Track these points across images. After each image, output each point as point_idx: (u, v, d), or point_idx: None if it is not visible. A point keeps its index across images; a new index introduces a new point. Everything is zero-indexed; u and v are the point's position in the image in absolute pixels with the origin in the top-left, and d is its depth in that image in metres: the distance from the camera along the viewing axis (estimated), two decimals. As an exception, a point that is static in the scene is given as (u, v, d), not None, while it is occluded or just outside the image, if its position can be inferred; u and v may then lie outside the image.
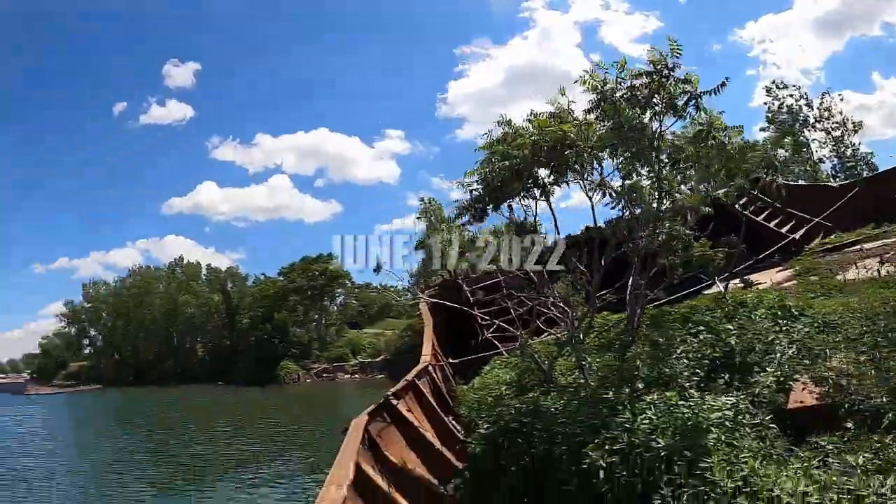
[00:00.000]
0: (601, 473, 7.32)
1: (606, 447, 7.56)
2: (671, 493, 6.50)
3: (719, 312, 11.45)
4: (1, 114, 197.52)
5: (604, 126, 10.45)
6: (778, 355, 9.65)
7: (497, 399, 11.62)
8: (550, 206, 11.40)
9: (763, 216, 27.26)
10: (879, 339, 8.79)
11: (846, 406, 7.55)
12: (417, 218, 79.83)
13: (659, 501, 6.55)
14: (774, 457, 7.01)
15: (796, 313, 11.39)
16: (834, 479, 5.74)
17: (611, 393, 9.05)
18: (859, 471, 5.90)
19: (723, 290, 15.06)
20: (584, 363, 11.02)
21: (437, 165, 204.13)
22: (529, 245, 11.81)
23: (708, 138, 10.80)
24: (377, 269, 11.95)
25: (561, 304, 11.94)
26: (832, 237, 25.29)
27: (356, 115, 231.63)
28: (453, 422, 13.69)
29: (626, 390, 9.07)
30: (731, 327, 10.58)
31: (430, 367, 15.18)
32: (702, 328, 10.99)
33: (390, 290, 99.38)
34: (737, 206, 25.77)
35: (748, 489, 6.01)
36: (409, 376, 13.06)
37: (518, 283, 12.95)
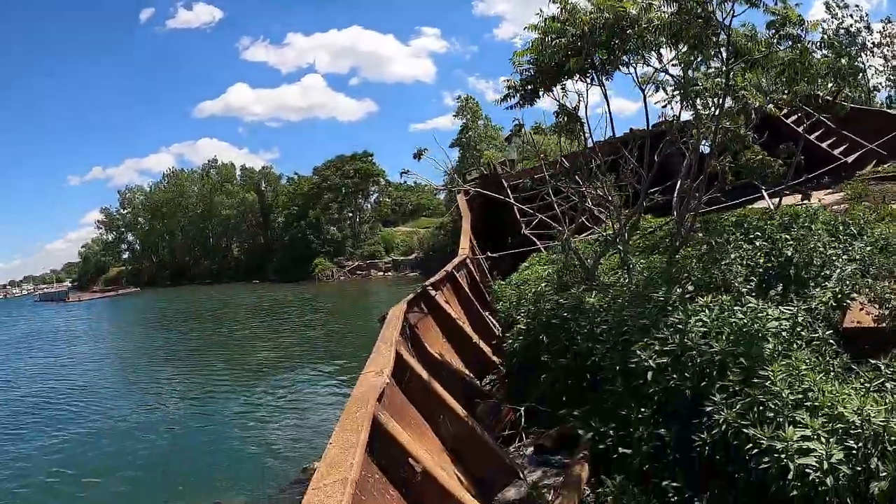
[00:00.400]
0: (649, 375, 7.00)
1: (656, 348, 7.19)
2: (724, 400, 6.18)
3: (775, 222, 10.81)
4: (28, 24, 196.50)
5: (665, 11, 9.64)
6: (837, 271, 9.07)
7: (537, 295, 11.31)
8: (605, 93, 10.64)
9: (816, 135, 25.92)
10: None
11: None
12: (454, 115, 78.91)
13: (711, 408, 6.24)
14: (832, 374, 6.62)
15: (855, 232, 10.72)
16: None
17: (660, 292, 8.63)
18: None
19: (772, 205, 14.38)
20: (629, 262, 10.58)
21: (474, 65, 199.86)
22: (577, 135, 11.22)
23: (782, 28, 9.91)
24: (417, 155, 11.38)
25: (607, 200, 11.42)
26: (886, 166, 24.12)
27: (390, 11, 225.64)
28: (490, 316, 13.50)
29: (677, 291, 8.62)
30: (788, 237, 9.96)
31: (468, 261, 14.90)
32: (758, 234, 10.43)
33: (425, 188, 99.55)
34: (790, 120, 24.67)
35: (809, 403, 5.61)
36: (448, 267, 12.80)
37: (562, 177, 12.38)
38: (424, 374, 7.31)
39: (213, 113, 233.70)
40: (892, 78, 58.70)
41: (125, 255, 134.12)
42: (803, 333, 7.19)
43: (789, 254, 9.38)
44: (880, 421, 5.04)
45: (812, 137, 24.99)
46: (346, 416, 4.91)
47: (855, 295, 8.22)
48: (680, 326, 7.26)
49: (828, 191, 20.13)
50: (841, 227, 10.65)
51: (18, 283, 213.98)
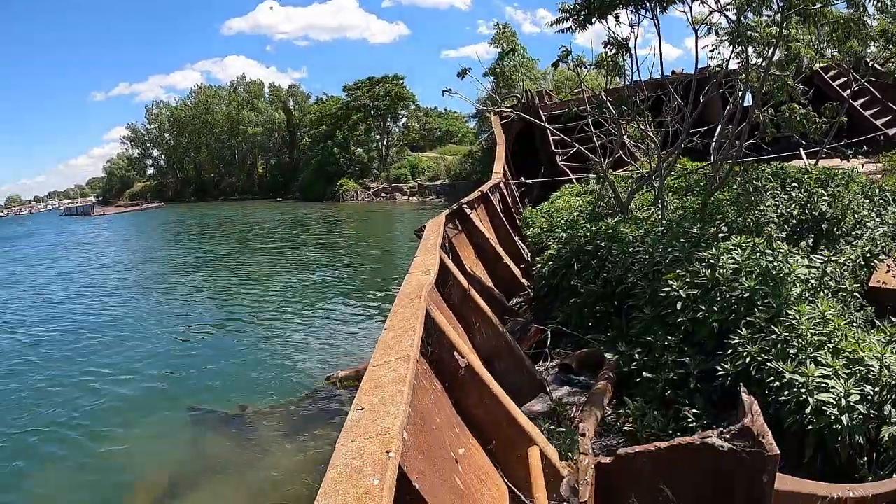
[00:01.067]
0: (678, 305, 7.25)
1: (687, 280, 7.43)
2: (750, 335, 6.40)
3: (813, 176, 10.84)
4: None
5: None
6: (868, 231, 9.21)
7: (570, 222, 11.51)
8: (658, 26, 10.57)
9: (860, 102, 25.39)
10: None
11: None
12: (490, 44, 77.30)
13: (737, 341, 6.48)
14: (855, 324, 6.83)
15: (890, 198, 10.75)
16: None
17: (695, 228, 8.81)
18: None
19: (808, 165, 14.26)
20: (663, 200, 10.73)
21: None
22: (622, 69, 11.19)
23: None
24: (462, 73, 11.40)
25: (647, 136, 11.47)
26: None
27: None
28: (519, 241, 13.74)
29: (711, 229, 8.79)
30: (824, 193, 10.06)
31: (502, 185, 15.07)
32: (795, 185, 10.51)
33: (455, 115, 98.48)
34: (836, 83, 24.13)
35: (831, 345, 5.82)
36: (484, 188, 12.99)
37: (604, 110, 12.38)
38: (464, 282, 7.57)
39: (242, 30, 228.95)
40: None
41: (150, 171, 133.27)
42: (830, 283, 7.40)
43: (824, 208, 9.51)
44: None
45: (857, 104, 24.52)
46: (398, 306, 5.14)
47: (883, 257, 8.39)
48: (712, 262, 7.44)
49: (865, 160, 19.91)
50: (877, 191, 10.71)
51: (43, 199, 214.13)
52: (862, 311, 7.22)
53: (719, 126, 11.35)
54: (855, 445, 5.15)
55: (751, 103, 11.25)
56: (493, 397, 5.42)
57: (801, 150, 16.18)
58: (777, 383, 5.61)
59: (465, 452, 4.96)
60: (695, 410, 6.79)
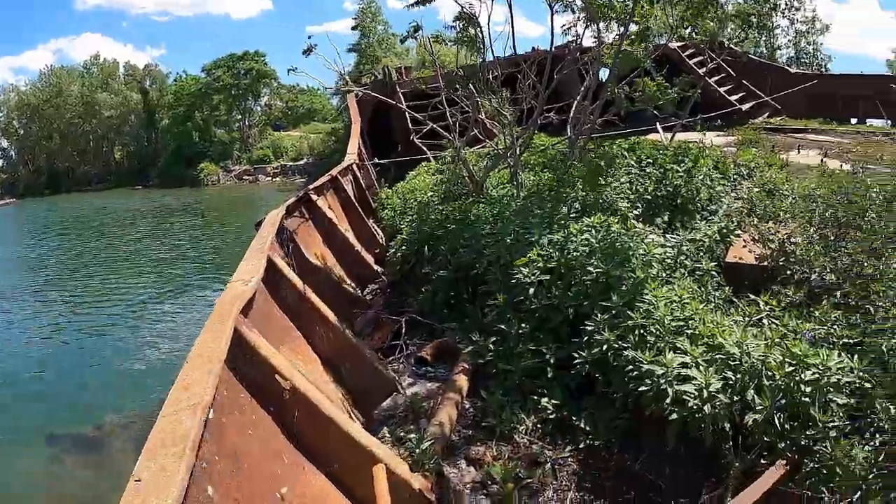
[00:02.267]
0: (531, 291, 6.76)
1: (539, 265, 6.94)
2: (605, 320, 5.97)
3: (668, 152, 10.72)
4: None
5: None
6: (724, 207, 9.10)
7: (423, 205, 10.89)
8: (510, 3, 10.09)
9: (715, 79, 26.14)
10: (829, 214, 8.05)
11: (788, 273, 6.99)
12: (354, 19, 75.73)
13: (592, 327, 6.06)
14: (713, 305, 6.56)
15: (745, 172, 10.81)
16: (777, 339, 5.22)
17: (547, 208, 8.36)
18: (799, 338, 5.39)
19: (664, 138, 14.35)
20: (518, 177, 10.27)
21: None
22: (476, 45, 10.68)
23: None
24: (307, 51, 10.48)
25: (501, 113, 10.99)
26: (778, 119, 24.89)
27: None
28: (374, 225, 12.99)
29: (564, 210, 8.35)
30: (678, 169, 9.89)
31: (355, 166, 14.20)
32: (650, 161, 10.31)
33: (318, 91, 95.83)
34: (692, 61, 24.74)
35: (689, 331, 5.49)
36: (333, 172, 12.09)
37: (457, 86, 11.81)
38: (299, 284, 6.76)
39: (98, 4, 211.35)
40: (793, 41, 60.10)
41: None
42: (687, 262, 7.13)
43: (678, 183, 9.33)
44: (759, 355, 4.96)
45: (712, 80, 25.36)
46: (206, 330, 4.33)
47: (739, 232, 8.26)
48: (563, 244, 7.01)
49: (719, 133, 20.53)
50: (732, 167, 10.72)
51: None
52: (720, 291, 6.98)
53: (575, 102, 11.12)
54: (719, 431, 4.90)
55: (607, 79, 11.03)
56: (326, 418, 4.71)
57: (658, 124, 16.33)
58: (636, 373, 5.21)
59: (293, 486, 4.30)
60: (554, 401, 6.39)
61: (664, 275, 6.55)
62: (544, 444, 6.26)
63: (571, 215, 8.08)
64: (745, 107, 24.70)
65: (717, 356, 5.06)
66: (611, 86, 10.67)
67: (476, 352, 7.24)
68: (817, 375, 4.66)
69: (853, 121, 26.37)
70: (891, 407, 4.63)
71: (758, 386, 4.85)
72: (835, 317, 5.68)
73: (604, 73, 12.27)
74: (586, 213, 8.45)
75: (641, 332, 5.60)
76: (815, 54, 59.76)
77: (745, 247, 7.80)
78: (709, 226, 8.35)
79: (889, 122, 25.23)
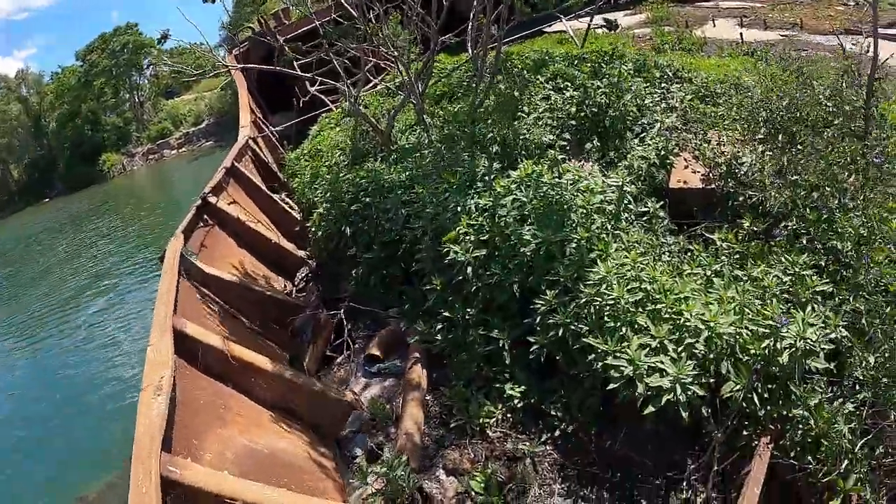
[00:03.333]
0: (468, 270, 6.05)
1: (471, 238, 6.19)
2: (555, 298, 5.35)
3: (586, 67, 9.76)
4: None
5: None
6: (657, 124, 8.22)
7: (333, 172, 9.95)
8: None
9: None
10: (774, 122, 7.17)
11: (741, 198, 6.32)
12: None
13: (541, 306, 5.42)
14: (667, 257, 5.99)
15: (670, 73, 9.87)
16: (746, 302, 4.74)
17: (464, 158, 7.53)
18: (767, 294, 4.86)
19: (570, 31, 13.50)
20: (426, 121, 9.37)
21: None
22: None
23: None
24: (163, 38, 9.32)
25: (393, 48, 9.96)
26: None
27: None
28: (288, 201, 12.00)
29: (483, 161, 7.52)
30: (600, 84, 8.93)
31: (251, 141, 13.00)
32: (568, 84, 9.36)
33: (202, 48, 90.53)
34: None
35: (650, 306, 4.88)
36: (227, 161, 10.93)
37: (339, 26, 10.70)
38: (219, 343, 5.98)
39: None
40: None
41: None
42: (631, 207, 6.43)
43: (603, 102, 8.50)
44: (728, 331, 4.46)
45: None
46: (132, 482, 3.73)
47: (678, 150, 7.55)
48: (493, 208, 6.27)
49: (627, 11, 19.60)
50: (656, 72, 9.77)
51: None
52: (672, 239, 6.36)
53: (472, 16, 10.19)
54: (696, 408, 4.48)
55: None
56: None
57: (563, 17, 15.42)
58: (600, 363, 4.62)
59: None
60: (519, 388, 5.83)
61: (609, 226, 5.88)
62: (518, 435, 5.76)
63: (495, 167, 7.24)
64: None
65: (686, 336, 4.52)
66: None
67: (426, 340, 6.63)
68: (793, 343, 4.25)
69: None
70: (869, 357, 4.35)
71: (733, 363, 4.41)
72: (802, 261, 5.13)
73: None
74: (507, 157, 7.69)
75: (597, 311, 5.00)
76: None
77: (687, 167, 7.13)
78: (644, 148, 7.63)
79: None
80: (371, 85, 13.31)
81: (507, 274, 5.85)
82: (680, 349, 4.39)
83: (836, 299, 4.86)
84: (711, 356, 4.39)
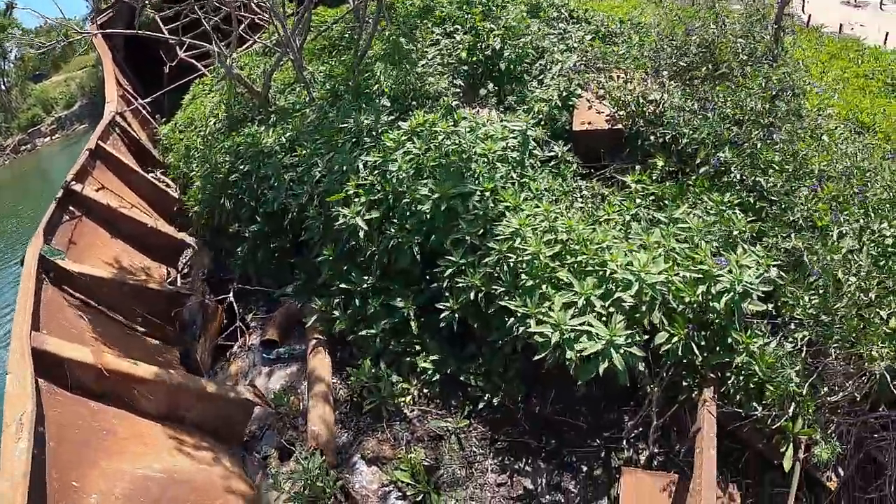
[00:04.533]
0: (361, 235, 5.39)
1: (362, 199, 5.51)
2: (463, 257, 4.77)
3: (475, 10, 8.90)
4: None
5: None
6: (558, 65, 7.49)
7: (207, 142, 9.00)
8: None
9: None
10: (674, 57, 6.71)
11: (653, 137, 5.85)
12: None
13: (447, 269, 4.83)
14: (579, 201, 5.45)
15: (566, 13, 9.20)
16: (671, 244, 4.32)
17: (350, 120, 6.73)
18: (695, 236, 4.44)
19: None
20: (307, 78, 8.52)
21: None
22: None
23: None
24: (8, 8, 8.11)
25: (266, 1, 9.03)
26: None
27: None
28: (165, 179, 10.92)
29: (371, 116, 6.70)
30: (493, 27, 8.12)
31: (119, 117, 11.71)
32: (458, 27, 8.51)
33: (69, 22, 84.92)
34: None
35: (570, 259, 4.35)
36: (91, 142, 9.70)
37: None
38: (89, 357, 5.05)
39: None
40: None
41: None
42: (537, 153, 5.84)
43: (497, 46, 7.79)
44: (659, 279, 3.98)
45: None
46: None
47: (581, 91, 6.96)
48: (384, 164, 5.57)
49: None
50: (551, 11, 9.05)
51: None
52: (586, 184, 5.82)
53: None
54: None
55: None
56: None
57: None
58: (521, 328, 4.06)
59: None
60: (432, 358, 5.25)
61: (515, 175, 5.29)
62: (438, 411, 5.20)
63: (384, 120, 6.52)
64: None
65: (613, 289, 3.99)
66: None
67: (324, 319, 5.96)
68: (729, 287, 3.86)
69: None
70: (804, 296, 4.09)
71: (665, 310, 3.97)
72: (727, 200, 4.74)
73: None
74: (398, 109, 6.97)
75: (511, 269, 4.43)
76: None
77: (590, 107, 6.57)
78: (545, 90, 7.01)
79: None
80: (248, 45, 12.26)
81: (405, 235, 5.17)
82: (608, 304, 3.84)
83: (767, 238, 4.50)
84: (643, 308, 3.88)
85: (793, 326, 4.09)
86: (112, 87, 13.59)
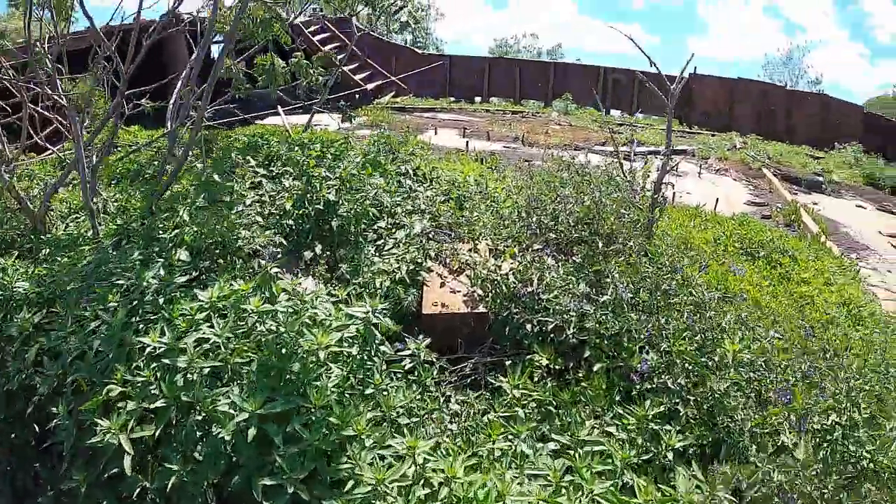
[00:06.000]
0: (127, 462, 3.55)
1: (129, 406, 3.79)
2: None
3: (313, 152, 7.72)
4: None
5: None
6: (404, 229, 6.29)
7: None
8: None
9: (341, 57, 24.47)
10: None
11: (529, 326, 4.80)
12: None
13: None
14: (445, 423, 4.12)
15: (410, 170, 8.36)
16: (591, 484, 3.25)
17: (131, 274, 5.14)
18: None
19: (286, 122, 12.21)
20: (95, 206, 6.90)
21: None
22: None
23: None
24: None
25: (61, 103, 7.51)
26: (406, 98, 24.28)
27: None
28: None
29: (160, 272, 5.04)
30: (329, 175, 6.72)
31: None
32: (287, 170, 7.22)
33: None
34: (316, 38, 23.30)
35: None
36: None
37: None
38: None
39: None
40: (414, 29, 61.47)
41: None
42: (384, 349, 4.28)
43: (331, 198, 6.54)
44: None
45: (338, 59, 23.83)
46: None
47: (431, 263, 5.97)
48: (172, 354, 3.92)
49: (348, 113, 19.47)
50: (391, 167, 8.17)
51: None
52: (457, 397, 4.64)
53: (178, 83, 8.25)
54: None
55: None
56: None
57: (280, 108, 14.06)
58: None
59: None
60: None
61: (354, 380, 3.99)
62: None
63: (178, 282, 5.09)
64: (371, 86, 23.41)
65: None
66: (228, 61, 7.99)
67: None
68: None
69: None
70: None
71: None
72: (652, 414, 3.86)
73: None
74: (198, 267, 5.59)
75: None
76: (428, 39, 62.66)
77: (443, 285, 5.58)
78: (385, 260, 5.92)
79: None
80: (47, 154, 10.48)
81: (193, 472, 3.52)
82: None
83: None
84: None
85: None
86: None
